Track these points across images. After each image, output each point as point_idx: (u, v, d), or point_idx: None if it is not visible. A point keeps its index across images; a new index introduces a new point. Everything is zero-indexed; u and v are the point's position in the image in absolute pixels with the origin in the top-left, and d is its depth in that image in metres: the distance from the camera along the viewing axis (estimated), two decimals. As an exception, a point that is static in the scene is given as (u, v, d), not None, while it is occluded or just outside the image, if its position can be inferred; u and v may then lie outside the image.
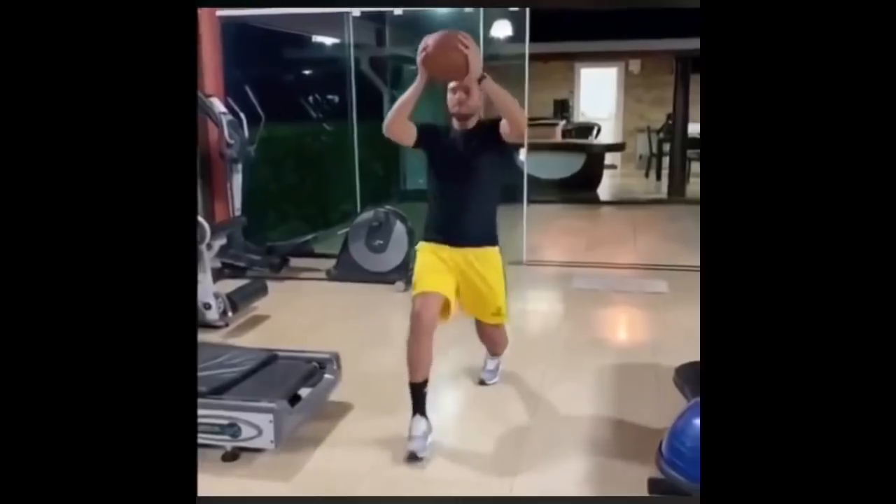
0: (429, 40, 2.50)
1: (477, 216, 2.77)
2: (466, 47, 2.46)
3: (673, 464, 1.84)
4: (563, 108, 12.30)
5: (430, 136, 2.75)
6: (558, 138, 10.51)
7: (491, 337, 3.09)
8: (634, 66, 12.38)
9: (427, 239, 2.82)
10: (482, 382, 3.29)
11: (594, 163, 9.85)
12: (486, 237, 2.82)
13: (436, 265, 2.75)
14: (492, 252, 2.82)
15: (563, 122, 11.27)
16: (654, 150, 10.79)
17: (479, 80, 2.51)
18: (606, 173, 10.74)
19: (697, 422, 1.85)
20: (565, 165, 9.49)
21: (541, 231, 6.68)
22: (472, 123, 2.72)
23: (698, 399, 2.05)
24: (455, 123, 2.74)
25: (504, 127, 2.61)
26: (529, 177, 6.07)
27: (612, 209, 9.35)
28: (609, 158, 11.33)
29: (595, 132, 11.23)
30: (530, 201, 6.24)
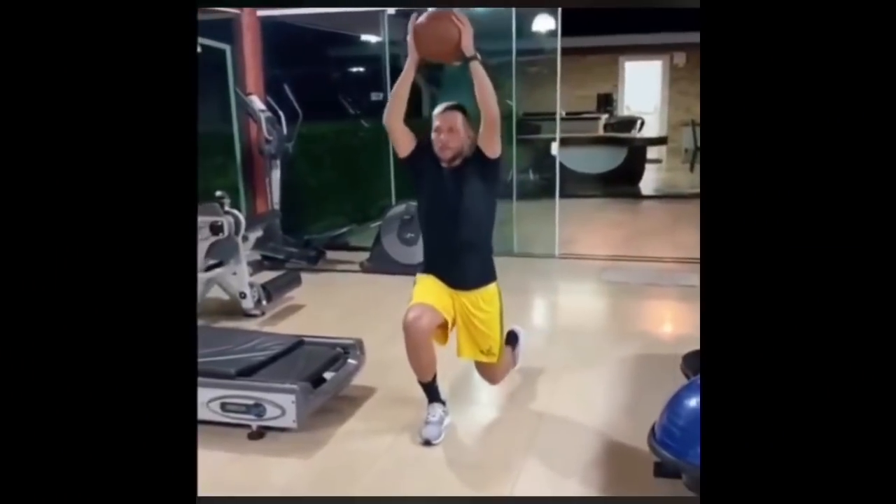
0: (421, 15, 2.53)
1: (470, 257, 2.71)
2: (460, 21, 2.48)
3: (664, 444, 1.89)
4: (606, 101, 12.19)
5: (421, 162, 2.70)
6: (600, 132, 10.46)
7: (486, 373, 2.96)
8: (679, 58, 12.24)
9: (425, 273, 2.78)
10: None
11: (636, 157, 9.76)
12: (482, 277, 2.75)
13: (434, 288, 2.71)
14: (488, 291, 2.76)
15: (605, 116, 11.18)
16: (699, 143, 10.63)
17: (470, 60, 2.51)
18: (651, 167, 10.63)
19: (688, 403, 1.90)
20: (606, 159, 9.44)
21: (576, 225, 6.69)
22: (458, 162, 2.66)
23: (688, 382, 2.09)
24: (442, 162, 2.67)
25: (482, 136, 2.58)
26: (569, 171, 6.07)
27: (654, 203, 9.27)
28: (654, 153, 11.19)
29: (638, 126, 11.12)
30: (568, 195, 6.26)
